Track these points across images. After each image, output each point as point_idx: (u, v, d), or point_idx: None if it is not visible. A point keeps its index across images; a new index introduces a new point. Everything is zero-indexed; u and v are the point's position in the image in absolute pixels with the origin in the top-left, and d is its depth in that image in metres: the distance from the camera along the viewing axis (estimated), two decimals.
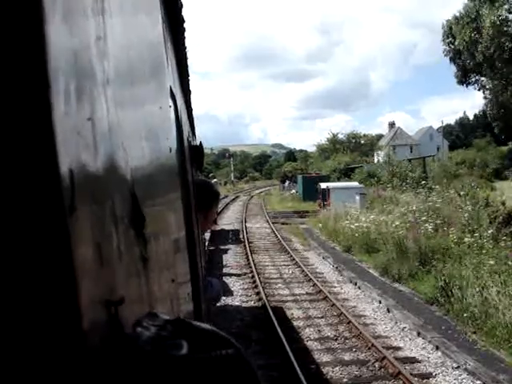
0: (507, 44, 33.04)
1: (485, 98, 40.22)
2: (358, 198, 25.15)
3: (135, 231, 0.66)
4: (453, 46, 39.12)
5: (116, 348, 0.52)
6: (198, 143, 3.79)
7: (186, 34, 2.87)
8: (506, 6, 34.10)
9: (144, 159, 0.84)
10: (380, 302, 11.26)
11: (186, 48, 3.06)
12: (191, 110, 5.15)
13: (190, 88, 4.41)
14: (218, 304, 4.55)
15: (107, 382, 0.49)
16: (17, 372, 0.39)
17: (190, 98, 4.59)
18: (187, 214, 2.04)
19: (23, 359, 0.39)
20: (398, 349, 8.57)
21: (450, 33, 39.28)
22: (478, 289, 9.39)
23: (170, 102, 1.78)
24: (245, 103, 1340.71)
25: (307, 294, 12.51)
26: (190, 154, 3.05)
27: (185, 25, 2.74)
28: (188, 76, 3.87)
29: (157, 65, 1.31)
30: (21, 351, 0.39)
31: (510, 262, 10.29)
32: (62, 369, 0.41)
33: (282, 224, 27.32)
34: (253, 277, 14.06)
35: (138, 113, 0.86)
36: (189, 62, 3.55)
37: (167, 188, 1.21)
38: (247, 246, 19.40)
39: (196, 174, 3.61)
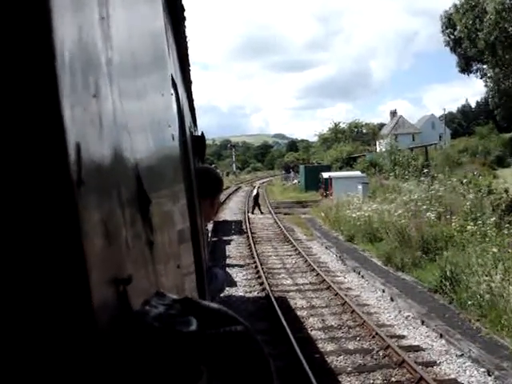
0: (510, 30, 32.82)
1: (486, 85, 40.03)
2: (360, 187, 25.13)
3: (141, 213, 0.66)
4: (453, 36, 38.97)
5: (125, 325, 0.52)
6: (200, 133, 3.79)
7: (186, 24, 2.86)
8: None
9: (146, 144, 0.84)
10: (383, 291, 11.28)
11: (186, 37, 3.04)
12: (192, 100, 5.14)
13: (191, 78, 4.40)
14: (221, 295, 4.57)
15: (117, 358, 0.49)
16: (26, 348, 0.39)
17: (191, 88, 4.57)
18: (190, 203, 2.03)
19: (33, 335, 0.39)
20: (402, 337, 8.60)
21: (449, 23, 39.12)
22: (482, 277, 9.39)
23: (172, 91, 1.77)
24: (245, 93, 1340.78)
25: (310, 283, 12.54)
26: (192, 144, 3.05)
27: (185, 14, 2.72)
28: (189, 66, 3.85)
29: (158, 52, 1.30)
30: (30, 327, 0.39)
31: (510, 250, 10.28)
32: (73, 344, 0.41)
33: (285, 214, 27.32)
34: (256, 267, 14.08)
35: (140, 98, 0.85)
36: (189, 52, 3.53)
37: (170, 175, 1.21)
38: (250, 236, 19.43)
39: (198, 164, 3.60)
